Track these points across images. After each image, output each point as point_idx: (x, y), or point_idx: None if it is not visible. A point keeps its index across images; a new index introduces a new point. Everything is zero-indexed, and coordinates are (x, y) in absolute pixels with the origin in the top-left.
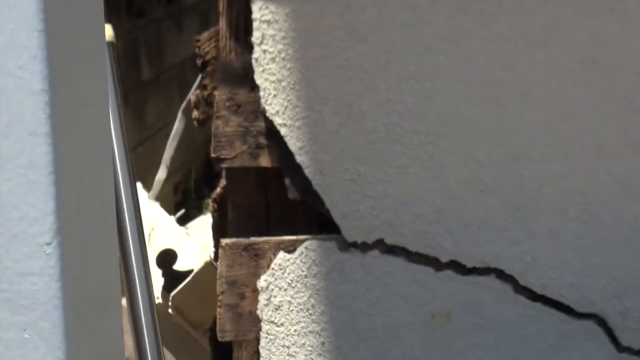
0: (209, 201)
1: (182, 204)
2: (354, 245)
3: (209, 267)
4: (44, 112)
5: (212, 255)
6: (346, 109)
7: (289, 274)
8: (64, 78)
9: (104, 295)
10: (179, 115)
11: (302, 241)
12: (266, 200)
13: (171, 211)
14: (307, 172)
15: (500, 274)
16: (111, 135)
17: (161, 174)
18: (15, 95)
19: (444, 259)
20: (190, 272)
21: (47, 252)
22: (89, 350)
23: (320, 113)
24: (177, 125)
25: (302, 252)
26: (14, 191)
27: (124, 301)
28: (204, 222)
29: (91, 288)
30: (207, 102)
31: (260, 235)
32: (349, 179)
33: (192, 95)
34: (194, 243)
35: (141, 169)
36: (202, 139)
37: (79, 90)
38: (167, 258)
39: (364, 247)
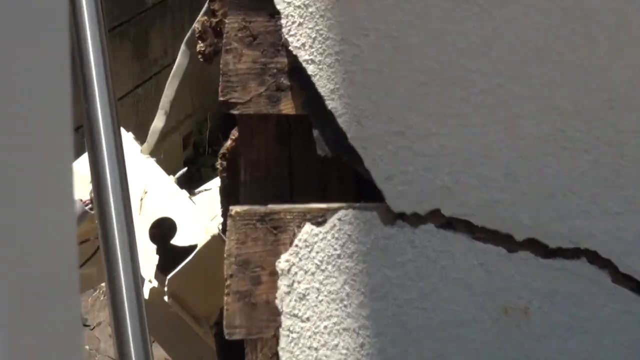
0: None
1: (193, 161)
2: (402, 216)
3: (216, 243)
4: None
5: (221, 227)
6: (391, 41)
7: (317, 252)
8: None
9: (56, 273)
10: (182, 47)
11: (335, 210)
12: (289, 156)
13: (176, 170)
14: (341, 121)
15: (594, 257)
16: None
17: (157, 123)
18: None
19: (520, 237)
20: (192, 248)
21: None
22: (33, 342)
23: (358, 47)
24: (180, 60)
25: (334, 225)
26: None
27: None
28: (218, 185)
29: (38, 264)
30: (215, 31)
31: (281, 201)
32: (396, 130)
33: (197, 23)
34: (198, 211)
35: (142, 116)
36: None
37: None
38: (163, 230)
39: (415, 220)
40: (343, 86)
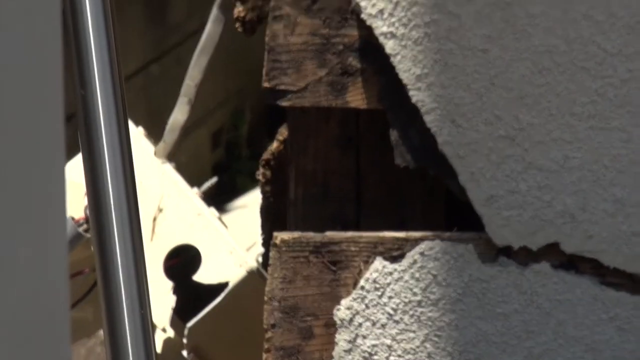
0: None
1: (226, 167)
2: (507, 252)
3: (254, 280)
4: None
5: (262, 260)
6: (502, 10)
7: (390, 298)
8: None
9: (39, 317)
10: (214, 12)
11: (416, 242)
12: (357, 166)
13: (203, 179)
14: (430, 120)
15: None
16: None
17: (178, 115)
18: None
19: None
20: (222, 287)
21: None
22: None
23: (457, 17)
24: (211, 30)
25: (414, 261)
26: None
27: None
28: (258, 201)
29: (16, 304)
30: None
31: (344, 227)
32: (503, 135)
33: None
34: (231, 237)
35: (156, 104)
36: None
37: None
38: (183, 261)
39: (524, 257)
40: (434, 71)
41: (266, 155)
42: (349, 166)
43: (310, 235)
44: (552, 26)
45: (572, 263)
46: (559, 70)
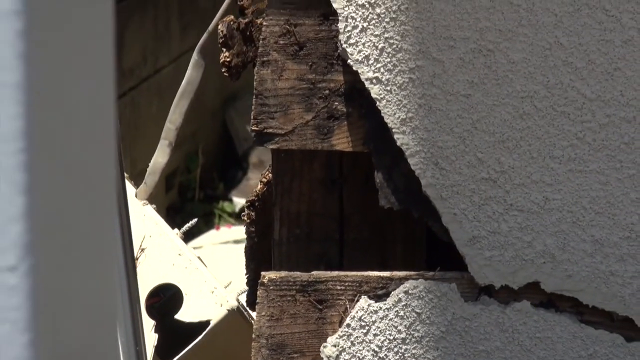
0: (241, 204)
1: (179, 209)
2: (489, 291)
3: (235, 319)
4: (13, 47)
5: (241, 299)
6: (485, 56)
7: (375, 335)
8: None
9: (97, 355)
10: (194, 57)
11: (401, 281)
12: (341, 208)
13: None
14: (414, 162)
15: None
16: (113, 88)
17: (159, 157)
18: None
19: None
20: (204, 325)
21: (9, 283)
22: None
23: (441, 63)
24: (191, 75)
25: (398, 300)
26: None
27: None
28: (215, 241)
29: (77, 344)
30: (245, 36)
31: (328, 267)
32: (485, 177)
33: (222, 24)
34: (212, 276)
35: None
36: (217, 96)
37: (74, 13)
38: (164, 300)
39: (506, 296)
40: (418, 115)
41: (251, 196)
42: (333, 207)
43: (297, 274)
44: (532, 72)
45: (551, 302)
46: (540, 114)
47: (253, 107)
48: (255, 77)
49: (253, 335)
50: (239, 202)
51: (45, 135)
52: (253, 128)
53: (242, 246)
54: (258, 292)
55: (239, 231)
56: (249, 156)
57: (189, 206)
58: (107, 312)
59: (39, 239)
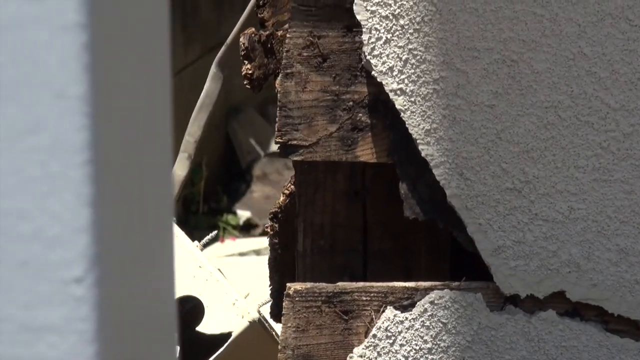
0: (245, 217)
1: (183, 221)
2: (514, 300)
3: (256, 331)
4: (79, 60)
5: (262, 311)
6: (508, 67)
7: (401, 345)
8: (113, 4)
9: None
10: (212, 70)
11: (426, 291)
12: (364, 219)
13: None
14: (439, 173)
15: None
16: (170, 96)
17: (178, 170)
18: (32, 30)
19: None
20: (225, 337)
21: (76, 294)
22: None
23: (465, 74)
24: (210, 87)
25: (424, 310)
26: (23, 189)
27: None
28: (220, 254)
29: (140, 355)
30: (266, 48)
31: (353, 278)
32: (509, 187)
33: (242, 35)
34: (233, 288)
35: None
36: (220, 108)
37: (134, 25)
38: (185, 313)
39: (531, 305)
40: (443, 126)
41: (274, 208)
42: (356, 219)
43: (323, 285)
44: (556, 82)
45: (576, 311)
46: (564, 124)
47: (277, 119)
48: (279, 89)
49: (279, 347)
50: (243, 214)
51: (109, 147)
52: (277, 140)
53: (247, 259)
54: (284, 304)
55: (244, 244)
56: (252, 169)
57: (193, 219)
58: (167, 322)
59: (104, 251)
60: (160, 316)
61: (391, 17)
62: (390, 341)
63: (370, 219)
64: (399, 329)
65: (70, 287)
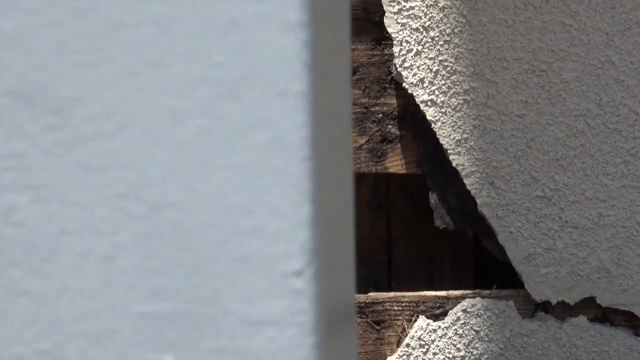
0: None
1: None
2: (545, 307)
3: None
4: (301, 57)
5: None
6: (538, 76)
7: (434, 354)
8: (329, 3)
9: None
10: None
11: (458, 299)
12: (388, 230)
13: None
14: (469, 182)
15: None
16: (350, 100)
17: None
18: (256, 28)
19: None
20: None
21: (296, 287)
22: None
23: (494, 84)
24: None
25: (457, 319)
26: (244, 185)
27: None
28: None
29: (351, 349)
30: None
31: (378, 288)
32: (539, 195)
33: None
34: None
35: None
36: None
37: (338, 23)
38: None
39: (562, 311)
40: (473, 136)
41: None
42: (380, 230)
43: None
44: (585, 91)
45: (606, 316)
46: (593, 132)
47: None
48: None
49: None
50: None
51: (323, 143)
52: None
53: None
54: None
55: None
56: None
57: None
58: (350, 310)
59: (321, 244)
60: (348, 306)
61: (421, 29)
62: (424, 350)
63: (394, 230)
64: (432, 338)
65: (289, 281)
